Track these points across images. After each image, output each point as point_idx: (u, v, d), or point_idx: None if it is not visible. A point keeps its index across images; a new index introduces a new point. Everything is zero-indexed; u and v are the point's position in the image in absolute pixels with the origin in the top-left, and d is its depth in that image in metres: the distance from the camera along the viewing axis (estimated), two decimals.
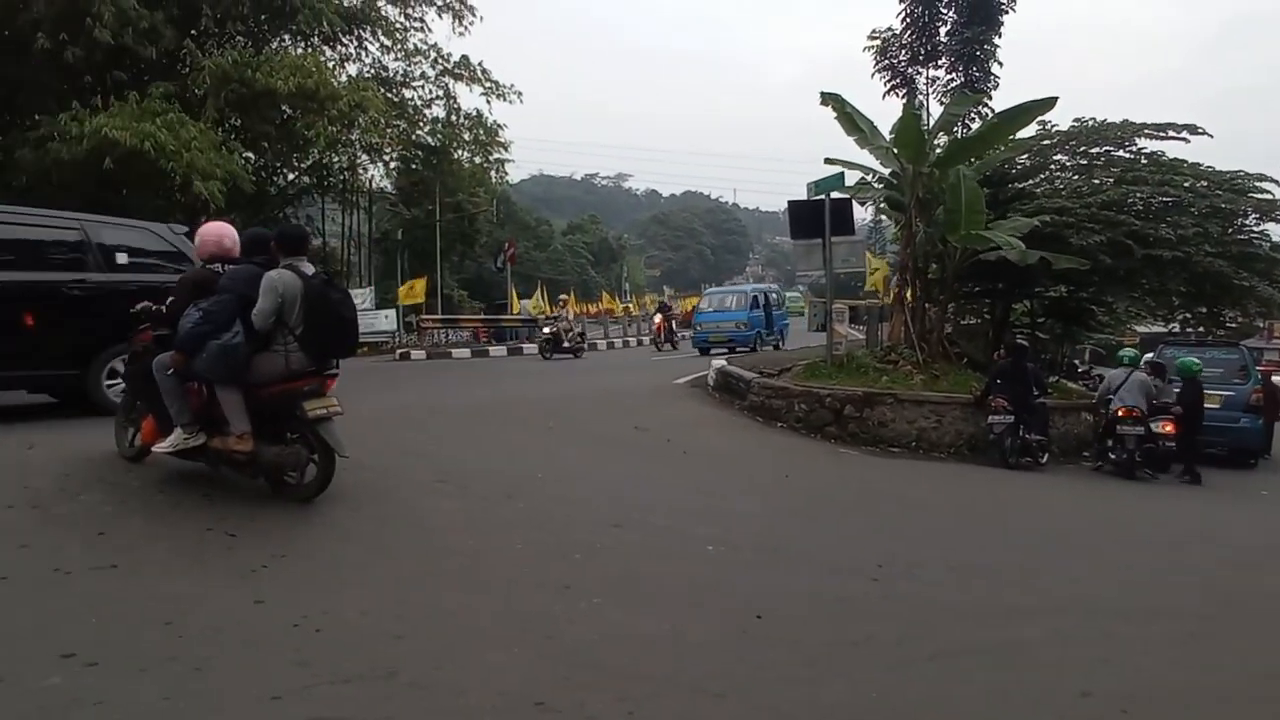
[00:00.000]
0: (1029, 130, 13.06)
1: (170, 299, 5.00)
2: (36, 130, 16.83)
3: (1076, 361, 21.32)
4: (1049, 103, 11.35)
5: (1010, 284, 13.59)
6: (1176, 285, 13.18)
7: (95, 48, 16.44)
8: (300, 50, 20.84)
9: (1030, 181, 14.65)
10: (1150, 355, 12.24)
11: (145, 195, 17.81)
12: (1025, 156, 14.36)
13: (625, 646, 3.44)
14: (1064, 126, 14.47)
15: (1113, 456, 9.98)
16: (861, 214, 17.58)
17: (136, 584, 3.62)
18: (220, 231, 5.22)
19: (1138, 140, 14.08)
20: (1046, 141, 14.46)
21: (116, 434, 5.46)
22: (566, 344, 18.98)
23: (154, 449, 4.97)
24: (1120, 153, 14.23)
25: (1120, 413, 9.91)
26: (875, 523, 6.42)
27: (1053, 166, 14.87)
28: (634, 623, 3.72)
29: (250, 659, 2.99)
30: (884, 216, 19.60)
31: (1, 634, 3.01)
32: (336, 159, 24.40)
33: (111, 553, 3.89)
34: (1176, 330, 16.54)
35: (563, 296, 24.46)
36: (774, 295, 24.43)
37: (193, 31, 18.70)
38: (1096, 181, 13.59)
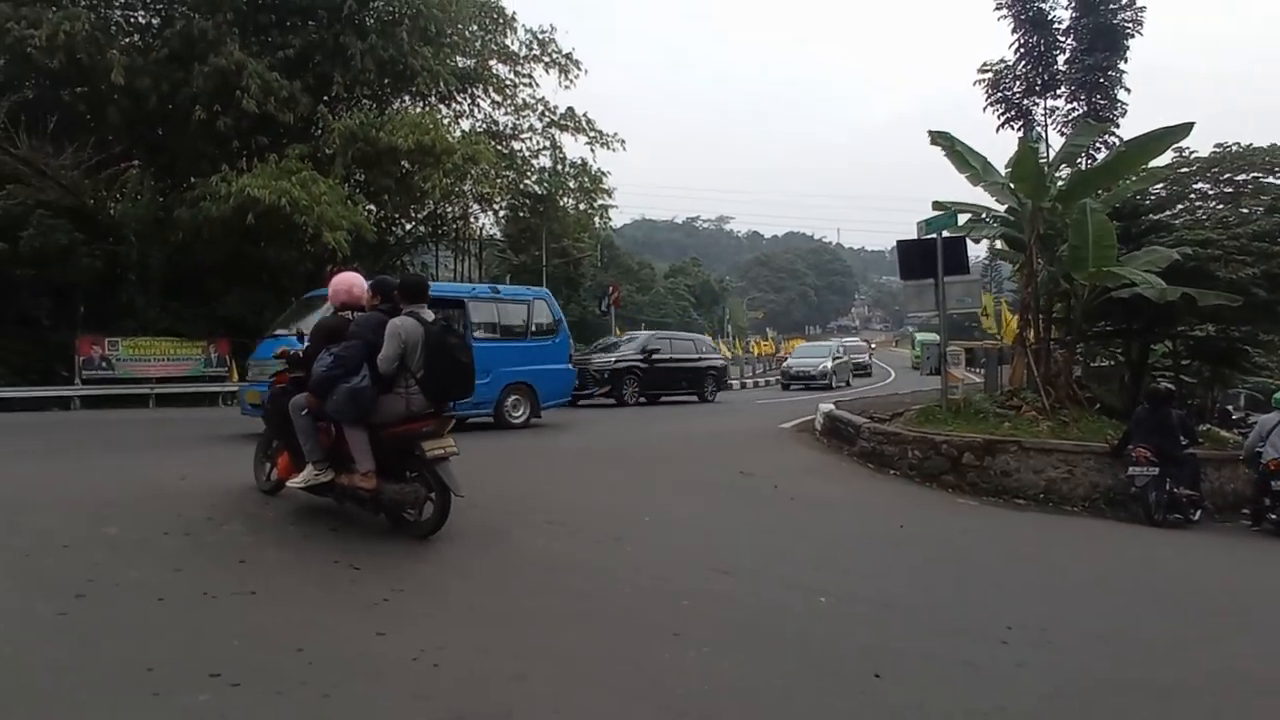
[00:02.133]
0: (1163, 159, 12.26)
1: (306, 344, 5.37)
2: (192, 191, 18.61)
3: (1230, 408, 19.52)
4: (1184, 129, 10.62)
5: (1147, 323, 12.65)
6: None
7: (243, 116, 18.16)
8: (419, 109, 22.26)
9: (1167, 213, 13.72)
10: None
11: (280, 247, 19.31)
12: (1160, 186, 13.51)
13: (736, 700, 3.35)
14: (1204, 153, 13.58)
15: (1273, 516, 9.00)
16: (975, 251, 16.94)
17: (272, 610, 3.85)
18: (350, 281, 5.58)
19: None
20: (1184, 169, 13.58)
21: (255, 469, 5.88)
22: None
23: (288, 484, 5.34)
24: (1271, 179, 13.19)
25: (1271, 466, 8.99)
26: (1001, 580, 6.01)
27: (1192, 196, 13.94)
28: (744, 675, 3.62)
29: (374, 689, 3.09)
30: (999, 257, 18.80)
31: (160, 651, 3.24)
32: (450, 209, 25.76)
33: (251, 580, 4.16)
34: None
35: None
36: (504, 304, 12.41)
37: (325, 97, 20.37)
38: (1245, 210, 12.62)
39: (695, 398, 18.61)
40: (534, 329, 12.42)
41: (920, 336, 45.20)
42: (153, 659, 3.13)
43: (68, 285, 17.83)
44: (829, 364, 26.27)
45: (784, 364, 28.60)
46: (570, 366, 13.15)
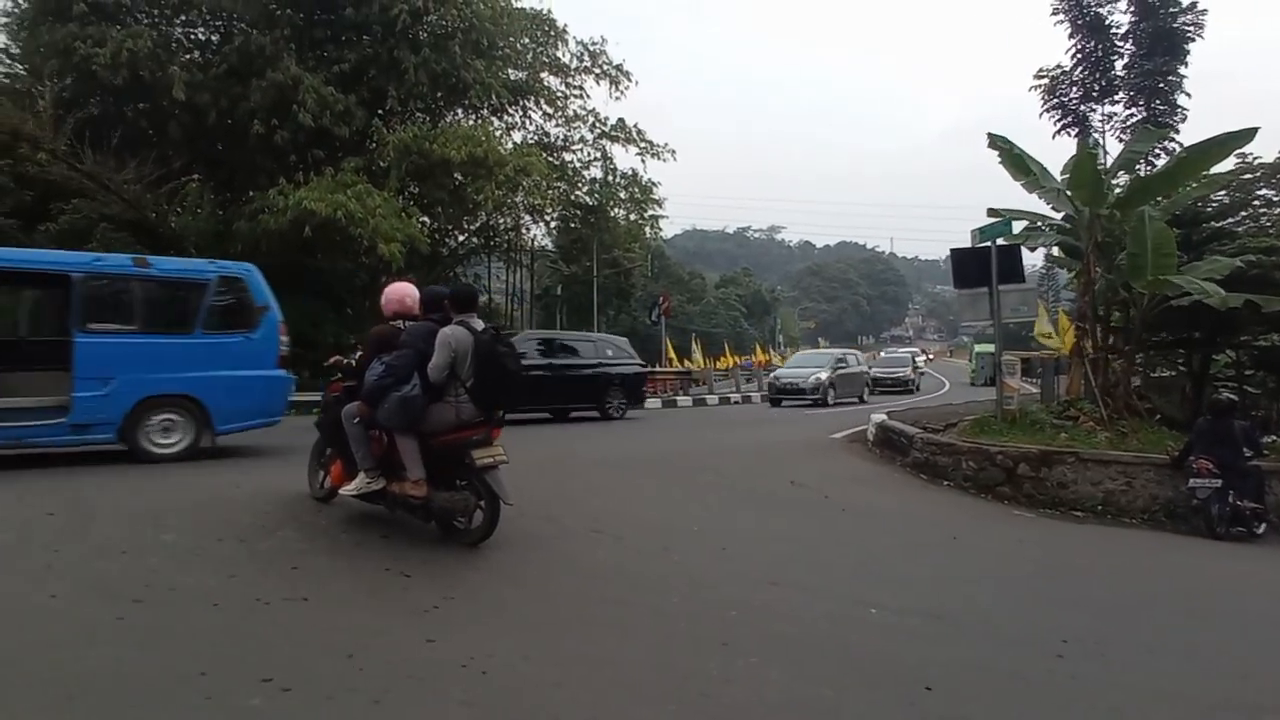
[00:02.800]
0: (1226, 164, 11.84)
1: (359, 353, 5.49)
2: (251, 204, 19.16)
3: None
4: (1248, 134, 10.27)
5: (1210, 332, 12.24)
6: None
7: (299, 130, 18.65)
8: (471, 122, 22.59)
9: (1229, 220, 13.28)
10: None
11: (336, 258, 19.74)
12: (1223, 193, 13.06)
13: (784, 712, 3.31)
14: (1269, 158, 13.09)
15: None
16: (1031, 260, 16.51)
17: (324, 616, 3.92)
18: (403, 291, 5.69)
19: None
20: (1248, 176, 13.12)
21: (309, 476, 6.02)
22: None
23: (340, 491, 5.45)
24: None
25: None
26: (1057, 593, 5.85)
27: (1256, 203, 13.44)
28: (792, 687, 3.57)
29: (422, 695, 3.13)
30: (1056, 265, 18.26)
31: (213, 655, 3.33)
32: (502, 220, 26.08)
33: (303, 586, 4.25)
34: None
35: None
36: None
37: (380, 111, 20.83)
38: None
39: (596, 413, 15.54)
40: (209, 318, 8.64)
41: (979, 348, 39.30)
42: (206, 663, 3.22)
43: None
44: (824, 375, 22.12)
45: (772, 375, 24.74)
46: (280, 373, 9.13)
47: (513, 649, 3.68)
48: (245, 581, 4.26)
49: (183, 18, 20.61)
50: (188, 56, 20.57)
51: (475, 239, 26.72)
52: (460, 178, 20.60)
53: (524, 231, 28.43)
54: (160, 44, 18.95)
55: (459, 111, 23.43)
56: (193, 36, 21.55)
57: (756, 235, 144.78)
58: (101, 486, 6.61)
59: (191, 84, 18.46)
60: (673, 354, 31.74)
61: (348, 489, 5.30)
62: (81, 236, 16.94)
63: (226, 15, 20.41)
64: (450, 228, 24.93)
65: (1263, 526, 8.71)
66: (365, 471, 5.18)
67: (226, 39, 20.43)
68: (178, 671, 3.15)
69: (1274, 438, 12.74)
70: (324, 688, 3.10)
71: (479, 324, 5.19)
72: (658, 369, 28.10)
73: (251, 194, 19.95)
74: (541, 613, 4.27)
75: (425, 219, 22.04)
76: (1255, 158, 13.04)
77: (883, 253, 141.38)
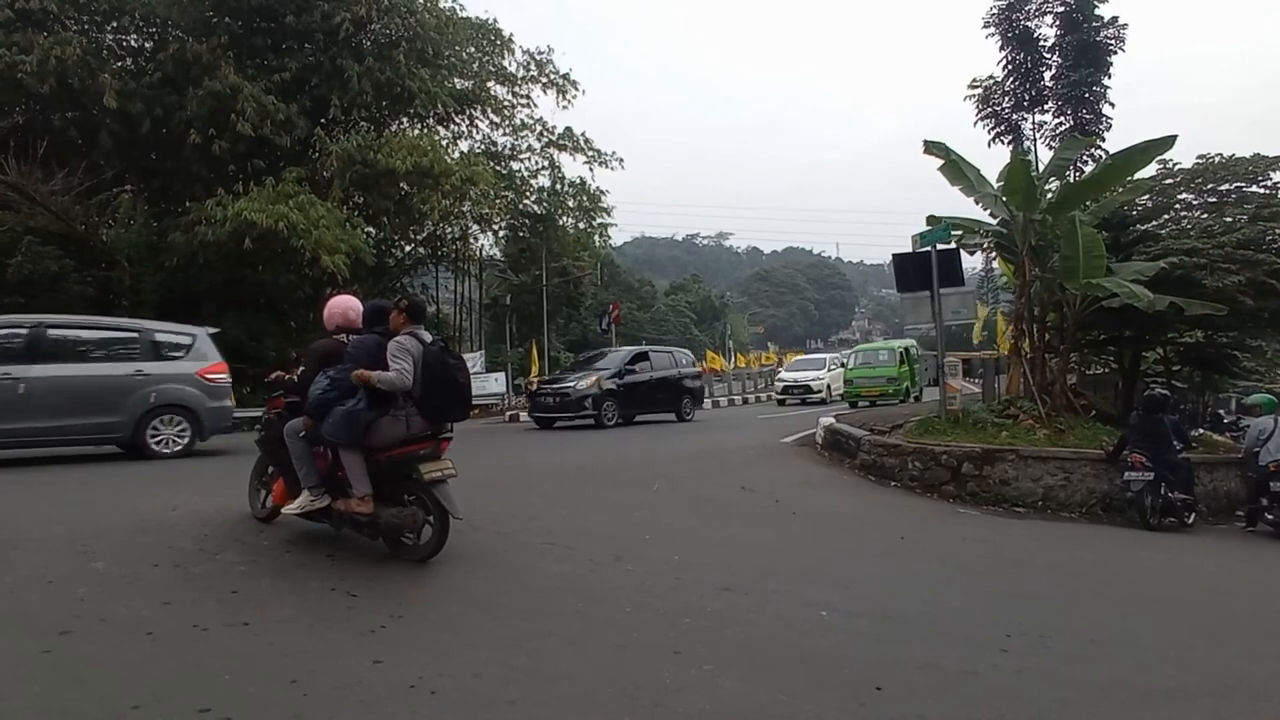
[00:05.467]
0: (1148, 170, 12.38)
1: (301, 368, 5.36)
2: (187, 216, 18.58)
3: (1221, 411, 19.70)
4: (1168, 142, 10.74)
5: (1139, 331, 12.77)
6: None
7: (238, 140, 18.16)
8: (417, 131, 22.31)
9: (1153, 223, 13.86)
10: None
11: (278, 270, 19.26)
12: (1146, 197, 13.64)
13: (737, 718, 3.32)
14: (1187, 164, 13.71)
15: (1270, 517, 9.04)
16: (971, 263, 16.96)
17: (266, 641, 3.79)
18: (345, 304, 5.57)
19: (1272, 174, 13.15)
20: (1169, 180, 13.72)
21: (250, 496, 5.84)
22: None
23: (283, 510, 5.30)
24: (1253, 188, 13.31)
25: (1272, 468, 9.02)
26: (1002, 588, 6.01)
27: (1177, 206, 14.05)
28: (746, 692, 3.59)
29: (370, 719, 3.05)
30: (995, 266, 18.85)
31: (147, 687, 3.19)
32: (449, 230, 25.77)
33: (244, 610, 4.11)
34: None
35: None
36: None
37: (322, 120, 20.42)
38: (1229, 219, 12.74)
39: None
40: None
41: (861, 346, 32.34)
42: (139, 696, 3.09)
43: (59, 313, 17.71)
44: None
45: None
46: None
47: (464, 667, 3.62)
48: (182, 608, 4.09)
49: (114, 24, 19.96)
50: (119, 64, 19.88)
51: (422, 249, 26.39)
52: (406, 187, 20.33)
53: (472, 241, 28.15)
54: (90, 51, 18.27)
55: (404, 121, 23.12)
56: (125, 44, 20.86)
57: (705, 242, 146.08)
58: (25, 514, 6.29)
59: (124, 92, 17.82)
60: None
61: (291, 508, 5.16)
62: (5, 250, 16.25)
63: (161, 22, 19.83)
64: (396, 238, 24.60)
65: (1192, 516, 9.14)
66: (309, 489, 5.05)
67: (161, 46, 19.80)
68: (108, 706, 3.01)
69: (1202, 431, 13.37)
70: (265, 716, 3.01)
71: (427, 336, 5.12)
72: None
73: (188, 205, 19.34)
74: (493, 628, 4.21)
75: (370, 229, 21.68)
76: (1175, 163, 13.64)
77: (829, 258, 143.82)
